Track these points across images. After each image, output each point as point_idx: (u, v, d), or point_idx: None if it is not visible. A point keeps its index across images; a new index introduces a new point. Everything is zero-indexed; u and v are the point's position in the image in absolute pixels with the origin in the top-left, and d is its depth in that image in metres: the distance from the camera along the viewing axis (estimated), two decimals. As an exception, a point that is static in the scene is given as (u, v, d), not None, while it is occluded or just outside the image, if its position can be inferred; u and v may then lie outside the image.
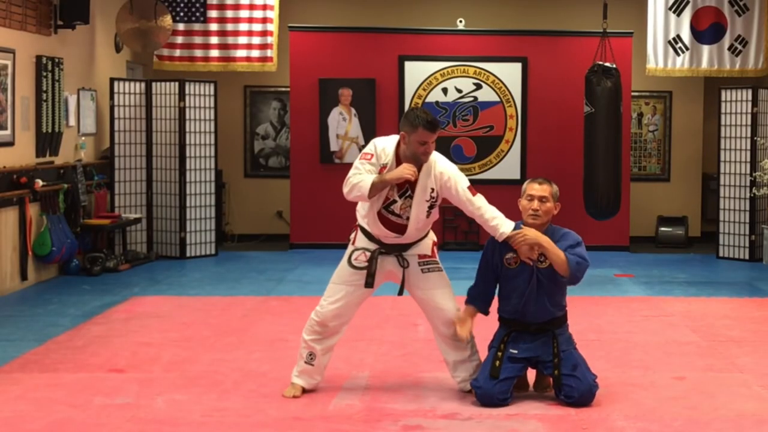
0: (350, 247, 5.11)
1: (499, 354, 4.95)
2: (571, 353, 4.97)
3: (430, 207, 4.99)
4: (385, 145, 5.00)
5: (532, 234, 4.93)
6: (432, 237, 5.16)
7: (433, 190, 4.95)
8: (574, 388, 4.88)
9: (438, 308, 5.07)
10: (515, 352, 4.97)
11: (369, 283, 4.99)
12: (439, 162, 4.99)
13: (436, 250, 5.14)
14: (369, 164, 4.94)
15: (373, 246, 5.03)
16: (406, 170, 4.85)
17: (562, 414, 4.79)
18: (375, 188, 4.86)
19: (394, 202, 4.98)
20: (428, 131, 4.85)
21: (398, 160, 4.96)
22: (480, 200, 4.99)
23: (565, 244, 4.98)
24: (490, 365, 4.94)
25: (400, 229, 5.00)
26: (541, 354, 4.97)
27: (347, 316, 5.11)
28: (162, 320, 7.07)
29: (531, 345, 4.98)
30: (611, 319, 7.20)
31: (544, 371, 5.03)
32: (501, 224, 4.98)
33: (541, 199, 5.02)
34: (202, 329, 6.75)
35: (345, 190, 4.95)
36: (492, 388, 4.88)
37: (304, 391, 5.10)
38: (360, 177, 4.88)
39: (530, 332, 5.00)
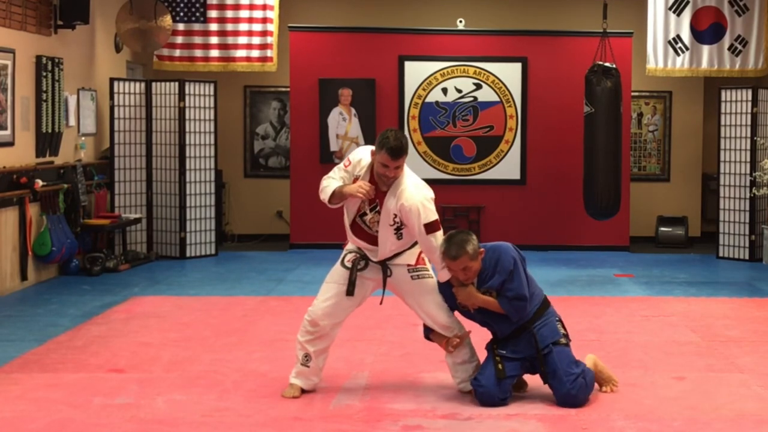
0: (345, 249, 5.14)
1: (497, 357, 4.98)
2: (552, 355, 4.96)
3: (397, 230, 4.94)
4: (362, 156, 5.01)
5: (462, 297, 4.96)
6: (419, 247, 5.09)
7: (396, 216, 4.91)
8: (555, 395, 4.94)
9: (429, 315, 5.09)
10: (504, 352, 5.00)
11: (350, 291, 5.00)
12: (407, 190, 4.89)
13: (424, 258, 5.09)
14: (345, 172, 5.01)
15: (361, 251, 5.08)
16: (359, 189, 4.87)
17: (562, 414, 4.79)
18: (335, 197, 4.95)
19: (365, 214, 4.99)
20: (389, 156, 4.81)
21: (371, 175, 4.95)
22: (433, 241, 4.89)
23: (498, 281, 4.93)
24: (493, 366, 4.95)
25: (373, 241, 5.01)
26: (530, 353, 4.99)
27: (338, 317, 5.10)
28: (162, 320, 7.07)
29: (516, 347, 5.01)
30: (611, 319, 7.20)
31: (542, 379, 5.08)
32: (439, 274, 5.00)
33: (464, 270, 4.92)
34: (202, 329, 6.75)
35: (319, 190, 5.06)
36: (494, 387, 4.89)
37: (303, 391, 5.10)
38: (329, 182, 5.00)
39: (510, 335, 5.04)
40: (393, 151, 4.79)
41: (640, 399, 5.06)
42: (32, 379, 5.42)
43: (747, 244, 10.47)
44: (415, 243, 5.05)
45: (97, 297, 8.07)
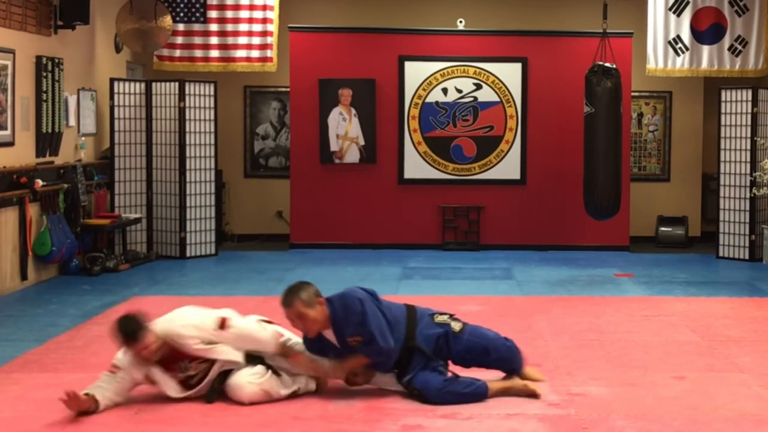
0: None
1: (408, 389, 4.98)
2: (464, 339, 5.04)
3: (185, 367, 4.93)
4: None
5: (341, 375, 5.00)
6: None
7: (185, 359, 4.93)
8: (498, 362, 5.15)
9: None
10: (407, 378, 4.98)
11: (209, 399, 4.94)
12: (165, 335, 4.91)
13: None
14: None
15: None
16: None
17: (562, 414, 4.80)
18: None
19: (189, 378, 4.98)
20: (123, 343, 4.83)
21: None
22: (250, 333, 4.98)
23: (351, 331, 4.88)
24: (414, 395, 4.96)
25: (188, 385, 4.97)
26: (424, 360, 4.99)
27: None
28: (162, 320, 7.06)
29: (411, 365, 4.99)
30: (611, 319, 7.20)
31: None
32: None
33: (299, 318, 4.91)
34: (202, 329, 6.74)
35: None
36: (430, 388, 4.89)
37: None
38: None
39: (403, 362, 5.02)
40: (124, 338, 4.83)
41: (640, 399, 5.06)
42: (32, 379, 5.42)
43: (747, 244, 10.47)
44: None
45: (97, 297, 8.07)
